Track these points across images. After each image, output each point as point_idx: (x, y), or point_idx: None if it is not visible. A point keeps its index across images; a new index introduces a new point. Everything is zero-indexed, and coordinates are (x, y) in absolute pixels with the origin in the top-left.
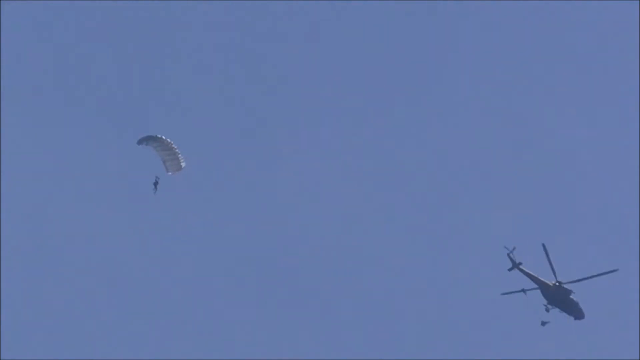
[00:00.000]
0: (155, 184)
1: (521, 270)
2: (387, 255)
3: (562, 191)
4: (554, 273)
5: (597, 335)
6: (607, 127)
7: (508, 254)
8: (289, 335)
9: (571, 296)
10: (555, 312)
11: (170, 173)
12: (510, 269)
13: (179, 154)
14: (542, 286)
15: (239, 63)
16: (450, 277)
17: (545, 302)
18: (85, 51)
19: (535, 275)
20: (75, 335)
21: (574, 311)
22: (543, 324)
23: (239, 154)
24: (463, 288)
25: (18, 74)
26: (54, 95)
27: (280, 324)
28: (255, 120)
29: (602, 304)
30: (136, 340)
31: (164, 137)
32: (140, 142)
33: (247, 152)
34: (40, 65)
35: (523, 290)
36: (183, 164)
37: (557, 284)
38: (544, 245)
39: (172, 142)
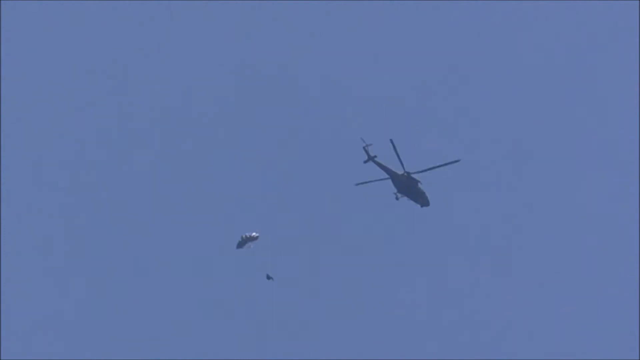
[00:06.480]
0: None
1: (375, 162)
2: None
3: None
4: (402, 165)
5: (597, 335)
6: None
7: (364, 148)
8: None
9: (419, 185)
10: (404, 199)
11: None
12: (365, 161)
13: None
14: (393, 176)
15: None
16: None
17: (395, 190)
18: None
19: (388, 167)
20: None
21: (420, 199)
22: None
23: None
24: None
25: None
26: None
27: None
28: None
29: (602, 303)
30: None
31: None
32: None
33: None
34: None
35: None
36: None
37: (406, 174)
38: (391, 141)
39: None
